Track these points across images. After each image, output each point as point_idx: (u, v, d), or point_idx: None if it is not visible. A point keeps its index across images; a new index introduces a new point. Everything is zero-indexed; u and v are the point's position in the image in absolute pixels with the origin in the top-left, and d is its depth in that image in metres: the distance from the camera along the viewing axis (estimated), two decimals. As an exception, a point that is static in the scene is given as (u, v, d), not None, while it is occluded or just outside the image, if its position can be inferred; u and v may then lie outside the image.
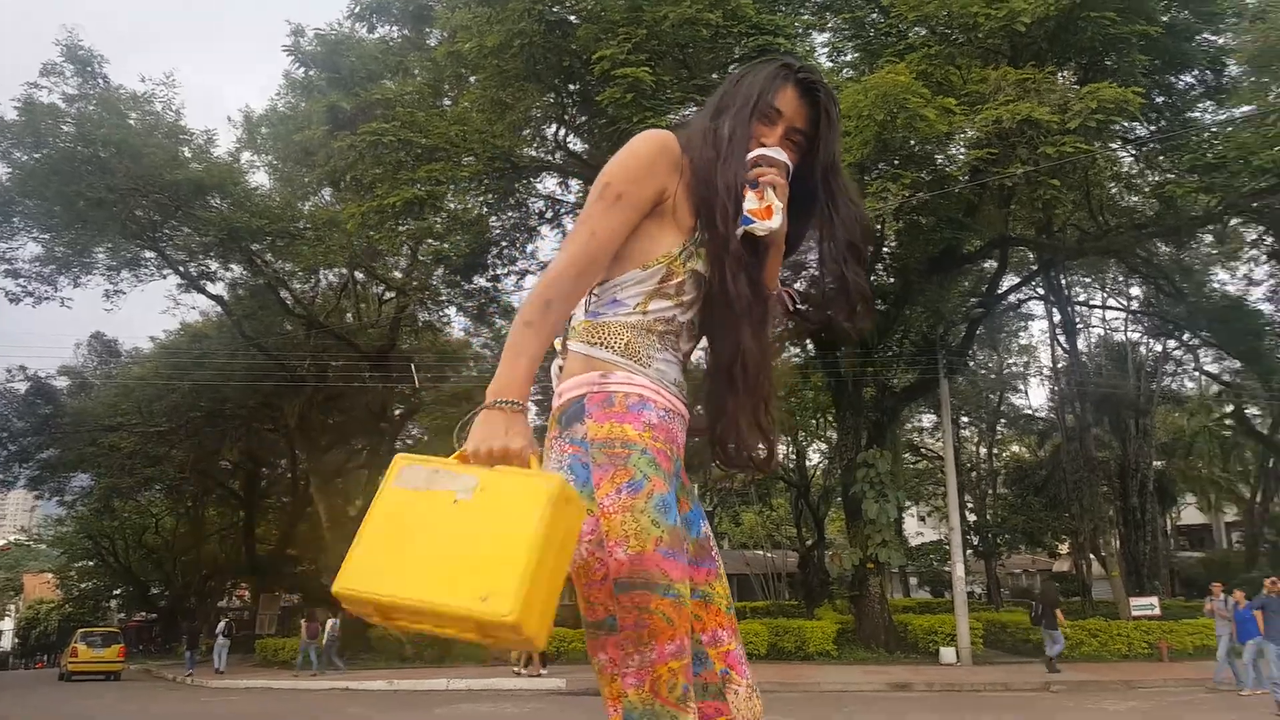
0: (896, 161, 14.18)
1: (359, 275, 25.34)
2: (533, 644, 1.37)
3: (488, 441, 1.43)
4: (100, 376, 28.81)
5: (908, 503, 35.26)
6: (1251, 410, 32.03)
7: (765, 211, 1.64)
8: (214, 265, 23.73)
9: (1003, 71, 12.77)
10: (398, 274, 24.70)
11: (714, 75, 17.11)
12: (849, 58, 18.91)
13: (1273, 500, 36.77)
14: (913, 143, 13.60)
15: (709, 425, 1.77)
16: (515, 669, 17.22)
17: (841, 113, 1.83)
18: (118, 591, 37.54)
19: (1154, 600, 20.09)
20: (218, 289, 24.55)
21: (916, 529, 40.71)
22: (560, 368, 1.69)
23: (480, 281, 22.23)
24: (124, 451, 26.39)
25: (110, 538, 32.92)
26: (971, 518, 33.29)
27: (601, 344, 1.63)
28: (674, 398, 1.65)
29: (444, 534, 1.35)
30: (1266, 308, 27.05)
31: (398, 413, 26.23)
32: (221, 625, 22.59)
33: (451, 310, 24.66)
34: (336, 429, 27.53)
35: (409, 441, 28.54)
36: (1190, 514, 43.34)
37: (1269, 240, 21.86)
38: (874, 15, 17.71)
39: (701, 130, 1.72)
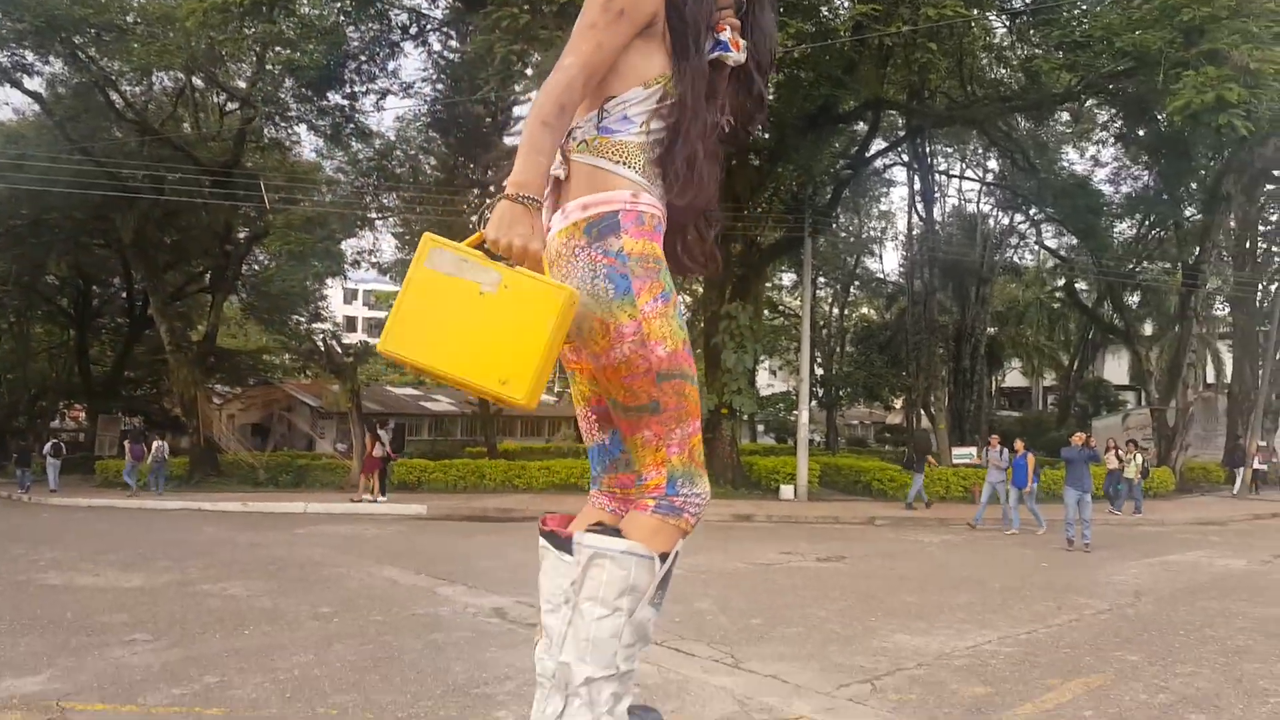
0: (782, 9, 13.81)
1: (198, 81, 23.04)
2: (528, 408, 1.66)
3: (509, 235, 1.56)
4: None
5: (762, 356, 36.76)
6: (1080, 285, 34.56)
7: (735, 44, 1.84)
8: (30, 57, 21.02)
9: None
10: (241, 83, 22.61)
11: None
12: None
13: (1087, 368, 40.44)
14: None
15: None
16: (352, 498, 17.51)
17: None
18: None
19: (972, 450, 22.04)
20: (35, 85, 21.90)
21: (768, 381, 42.68)
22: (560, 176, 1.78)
23: (335, 99, 20.69)
24: (-64, 260, 23.97)
25: (-75, 352, 30.34)
26: (819, 372, 35.11)
27: (624, 163, 1.75)
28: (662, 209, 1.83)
29: (471, 320, 1.57)
30: (1107, 189, 28.80)
31: (243, 235, 24.62)
32: (49, 445, 21.51)
33: (302, 128, 22.94)
34: (175, 248, 25.68)
35: (255, 266, 27.05)
36: (1014, 377, 47.16)
37: (1118, 124, 22.92)
38: None
39: None
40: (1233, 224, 27.46)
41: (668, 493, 1.76)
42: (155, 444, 20.49)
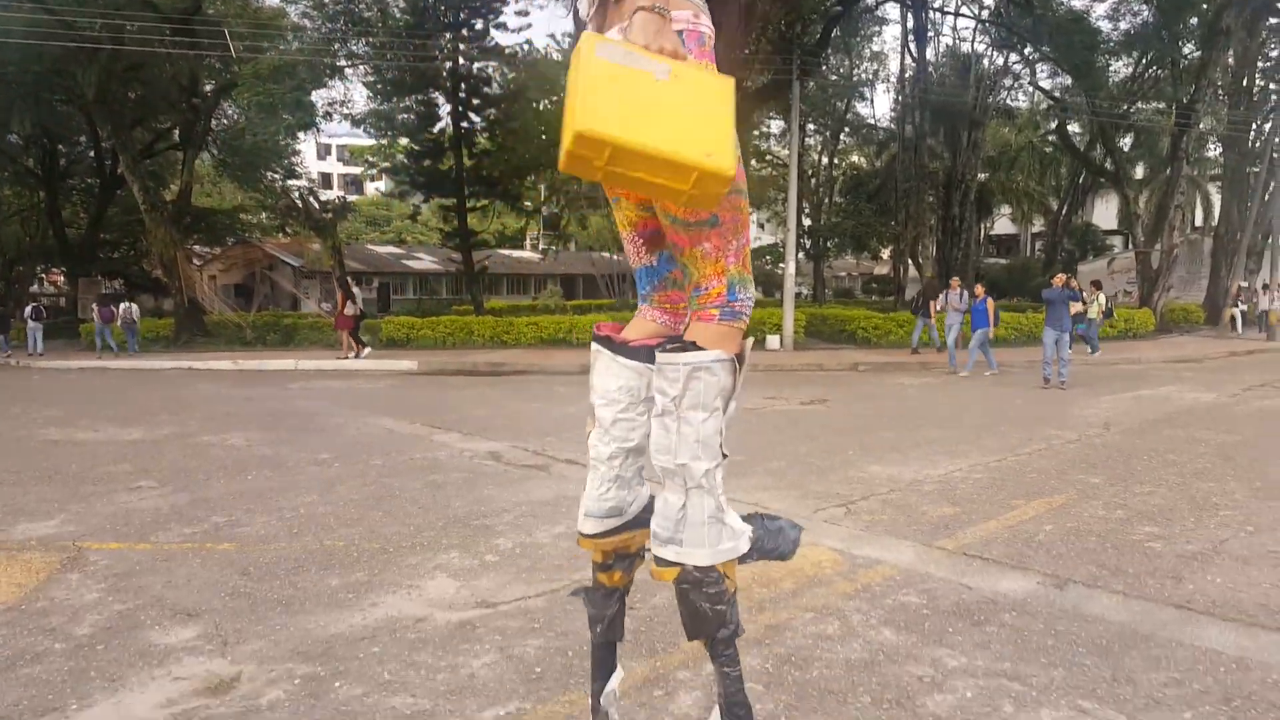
0: None
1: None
2: (724, 188, 1.64)
3: (659, 41, 1.64)
4: None
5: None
6: (1073, 128, 33.90)
7: None
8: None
9: None
10: (200, -81, 21.21)
11: None
12: None
13: (1076, 213, 40.24)
14: None
15: None
16: (338, 355, 17.70)
17: None
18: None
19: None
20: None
21: (755, 234, 42.40)
22: None
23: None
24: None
25: (-107, 218, 29.63)
26: (807, 223, 34.87)
27: None
28: None
29: (658, 102, 1.57)
30: (1106, 25, 27.83)
31: (209, 88, 23.67)
32: (29, 309, 21.43)
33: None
34: (140, 103, 24.69)
35: (224, 121, 26.12)
36: (1003, 224, 47.02)
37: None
38: None
39: None
40: (1231, 61, 26.73)
41: (729, 299, 1.86)
42: (123, 306, 20.67)
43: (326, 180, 51.30)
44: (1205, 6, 23.27)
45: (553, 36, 23.88)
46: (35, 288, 32.41)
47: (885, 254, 39.50)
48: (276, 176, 28.21)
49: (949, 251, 32.01)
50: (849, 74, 34.05)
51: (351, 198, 45.24)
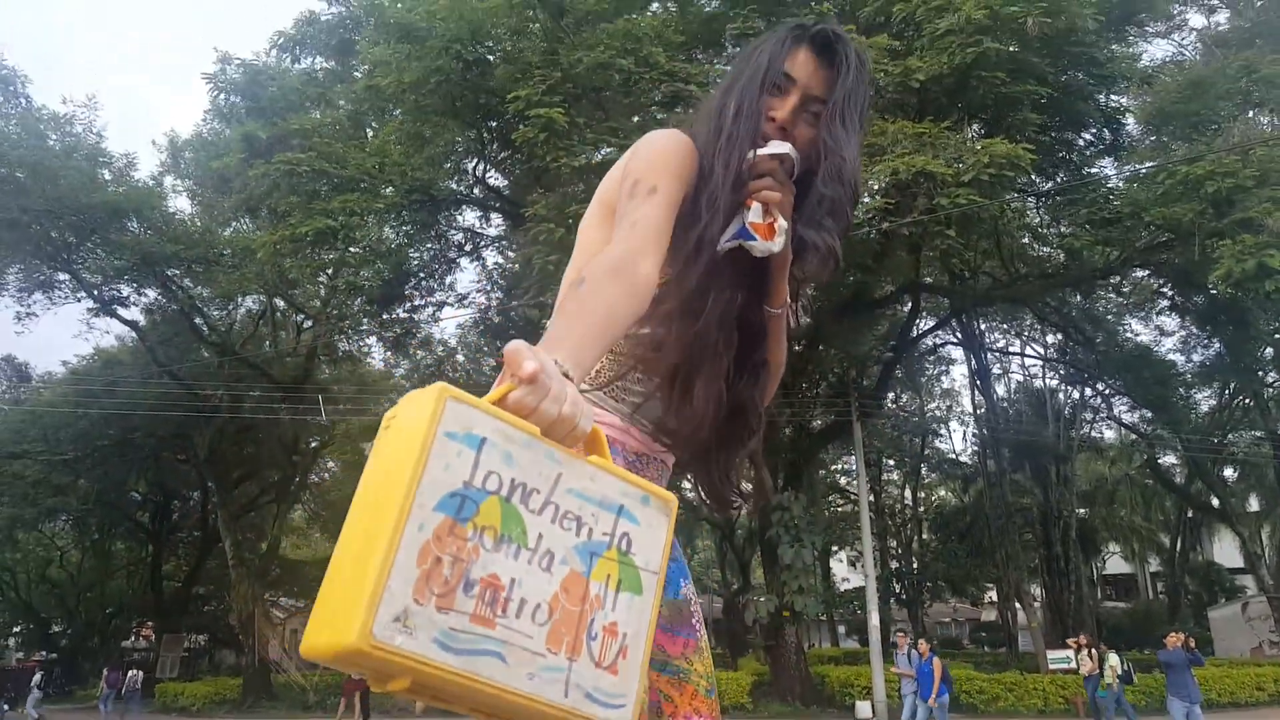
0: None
1: (279, 303, 24.92)
2: None
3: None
4: (9, 402, 27.79)
5: (834, 547, 35.27)
6: (1170, 459, 32.77)
7: (768, 230, 1.35)
8: (127, 290, 23.19)
9: (900, 125, 13.08)
10: (317, 303, 24.36)
11: (633, 119, 17.36)
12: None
13: (1193, 550, 37.53)
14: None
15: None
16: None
17: None
18: (17, 629, 35.84)
19: (1070, 653, 20.03)
20: (132, 314, 24.01)
21: (844, 574, 40.80)
22: None
23: (399, 312, 22.03)
24: (28, 480, 25.40)
25: (11, 571, 31.47)
26: (895, 564, 33.49)
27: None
28: (648, 438, 1.39)
29: None
30: (1179, 358, 27.88)
31: (312, 445, 25.62)
32: (36, 676, 21.19)
33: (372, 340, 24.38)
34: (248, 460, 26.75)
35: (325, 476, 27.88)
36: (1115, 563, 43.94)
37: (1170, 293, 22.53)
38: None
39: (707, 113, 1.46)
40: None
41: None
42: (130, 674, 20.37)
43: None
44: (1277, 337, 23.25)
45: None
46: (129, 641, 33.06)
47: (988, 596, 37.17)
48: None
49: (1058, 595, 29.81)
50: (921, 410, 34.49)
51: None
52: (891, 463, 34.65)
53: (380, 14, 18.68)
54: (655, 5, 18.94)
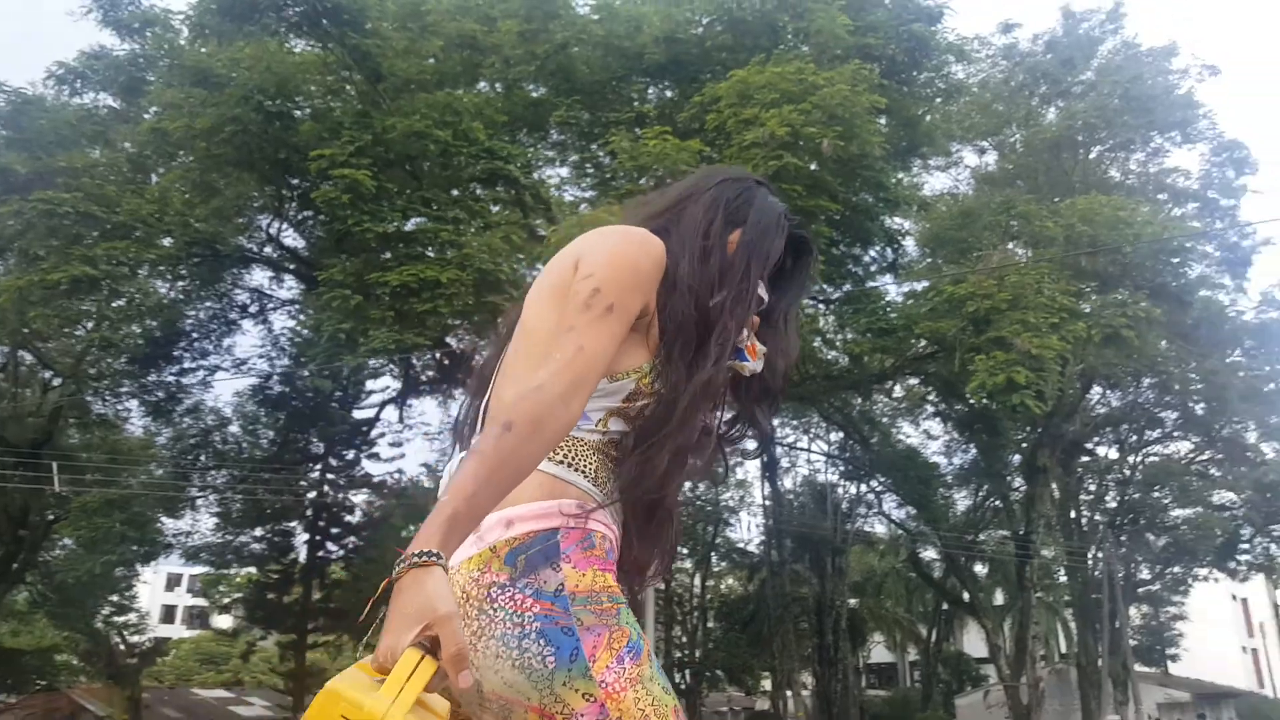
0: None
1: (25, 356, 22.03)
2: None
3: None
4: None
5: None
6: (930, 554, 35.38)
7: (752, 350, 1.53)
8: None
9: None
10: (70, 359, 21.74)
11: (451, 191, 17.08)
12: (586, 193, 19.76)
13: (945, 641, 40.47)
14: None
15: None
16: None
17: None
18: None
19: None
20: None
21: (630, 663, 40.51)
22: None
23: (166, 374, 20.09)
24: None
25: None
26: (679, 653, 33.68)
27: (575, 466, 1.35)
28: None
29: None
30: (942, 460, 30.45)
31: (47, 518, 22.45)
32: None
33: (133, 404, 21.96)
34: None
35: (56, 554, 24.43)
36: (879, 652, 46.54)
37: (935, 401, 24.68)
38: (605, 158, 18.61)
39: (697, 247, 1.48)
40: (1055, 494, 29.18)
41: None
42: None
43: (170, 613, 47.66)
44: (1024, 445, 25.90)
45: (426, 466, 24.30)
46: None
47: (764, 685, 38.11)
48: (105, 613, 25.85)
49: (827, 683, 31.08)
50: (715, 499, 35.48)
51: (192, 633, 41.78)
52: (685, 550, 35.16)
53: (178, 55, 17.51)
54: (482, 84, 18.96)
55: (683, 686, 32.72)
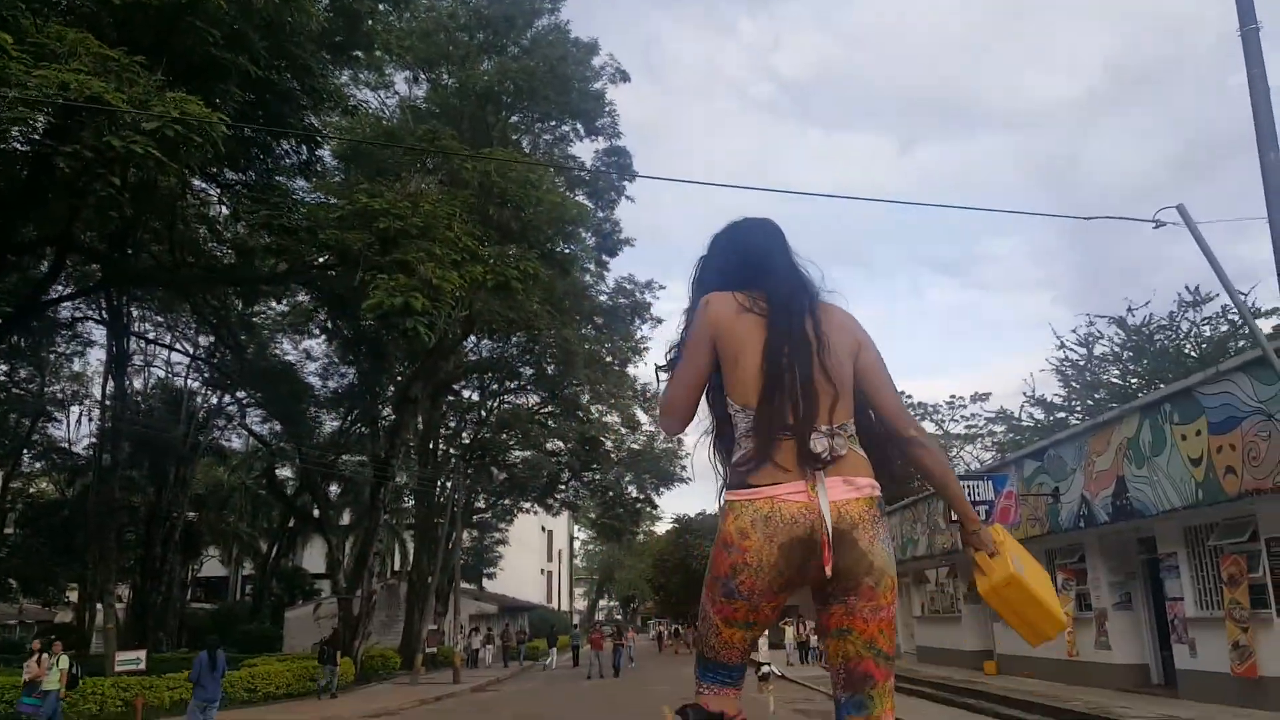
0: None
1: None
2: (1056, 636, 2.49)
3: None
4: None
5: None
6: (286, 473, 34.56)
7: None
8: None
9: (85, 37, 10.94)
10: None
11: None
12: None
13: (286, 557, 40.19)
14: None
15: None
16: None
17: None
18: None
19: (141, 654, 18.90)
20: None
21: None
22: (835, 456, 2.01)
23: None
24: None
25: None
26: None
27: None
28: None
29: (1032, 570, 2.33)
30: (317, 382, 29.83)
31: None
32: None
33: None
34: None
35: None
36: (213, 566, 44.31)
37: (324, 317, 23.97)
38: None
39: None
40: (419, 425, 30.78)
41: None
42: None
43: None
44: (400, 377, 26.64)
45: None
46: None
47: (69, 597, 33.51)
48: None
49: (148, 595, 28.54)
50: (41, 389, 29.73)
51: None
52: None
53: None
54: None
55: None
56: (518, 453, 34.96)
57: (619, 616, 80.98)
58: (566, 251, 21.88)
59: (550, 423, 33.11)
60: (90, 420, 30.95)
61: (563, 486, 35.55)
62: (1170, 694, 12.62)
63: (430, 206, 15.44)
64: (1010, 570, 2.19)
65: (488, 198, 17.55)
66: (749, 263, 2.21)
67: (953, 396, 35.60)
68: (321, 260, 17.18)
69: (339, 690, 20.65)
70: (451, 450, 33.26)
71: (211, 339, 26.73)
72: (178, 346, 28.54)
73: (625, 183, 25.40)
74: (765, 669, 9.11)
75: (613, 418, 34.84)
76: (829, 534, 1.92)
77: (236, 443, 35.07)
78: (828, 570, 1.94)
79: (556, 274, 20.87)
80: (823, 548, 1.93)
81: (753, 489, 1.97)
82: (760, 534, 1.93)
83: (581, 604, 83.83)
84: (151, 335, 27.94)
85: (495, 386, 33.57)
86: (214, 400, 30.53)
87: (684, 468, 36.24)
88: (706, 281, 2.24)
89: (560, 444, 33.24)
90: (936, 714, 13.51)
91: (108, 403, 25.53)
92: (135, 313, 25.25)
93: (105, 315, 23.84)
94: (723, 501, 2.05)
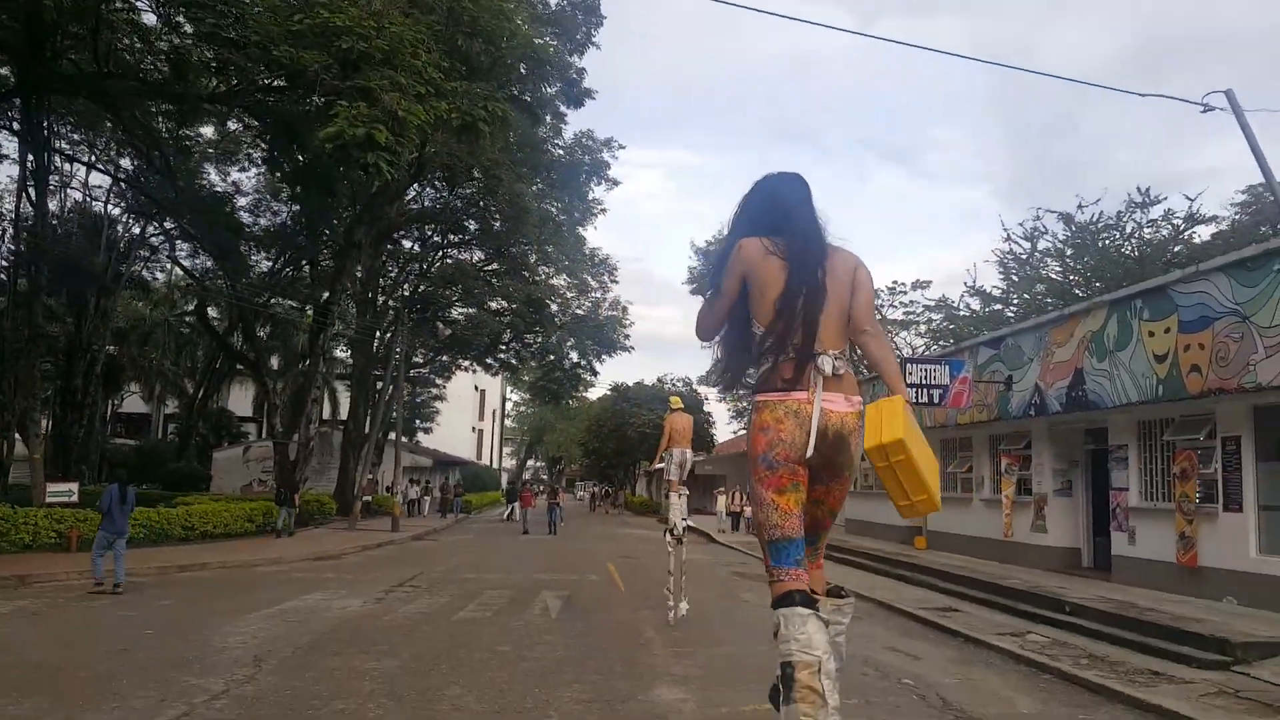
0: None
1: None
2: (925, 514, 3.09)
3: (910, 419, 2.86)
4: None
5: None
6: (214, 312, 33.18)
7: None
8: None
9: None
10: None
11: None
12: None
13: (213, 398, 39.14)
14: None
15: None
16: None
17: None
18: None
19: (73, 486, 18.46)
20: None
21: None
22: (838, 374, 2.75)
23: None
24: None
25: None
26: None
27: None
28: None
29: (922, 448, 2.70)
30: (247, 218, 28.28)
31: None
32: None
33: None
34: None
35: None
36: (134, 402, 43.13)
37: (265, 146, 22.35)
38: None
39: None
40: (359, 272, 29.66)
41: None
42: None
43: None
44: (345, 217, 25.30)
45: None
46: None
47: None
48: None
49: (68, 429, 27.61)
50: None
51: None
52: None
53: None
54: None
55: None
56: (460, 309, 34.16)
57: (545, 476, 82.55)
58: (537, 94, 20.54)
59: (495, 281, 32.27)
60: (2, 241, 28.88)
61: (504, 347, 35.05)
62: (1102, 577, 13.24)
63: (396, 29, 14.16)
64: (900, 433, 2.56)
65: (456, 25, 16.20)
66: (776, 210, 2.87)
67: (894, 282, 35.80)
68: (271, 81, 15.79)
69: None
70: (391, 302, 32.25)
71: (137, 162, 24.83)
72: (99, 166, 26.49)
73: (594, 26, 23.81)
74: (681, 525, 9.32)
75: (560, 280, 34.16)
76: (813, 430, 2.66)
77: (161, 277, 33.42)
78: (808, 453, 2.66)
79: (526, 120, 19.66)
80: (815, 437, 2.67)
81: (782, 392, 2.70)
82: (792, 422, 2.67)
83: (510, 463, 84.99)
84: (69, 152, 25.81)
85: (438, 239, 32.40)
86: (137, 230, 28.77)
87: (628, 337, 36.07)
88: (739, 226, 2.94)
89: (504, 303, 32.53)
90: (874, 583, 13.98)
91: (23, 223, 23.65)
92: (55, 124, 23.16)
93: (19, 126, 21.75)
94: (756, 399, 2.76)
